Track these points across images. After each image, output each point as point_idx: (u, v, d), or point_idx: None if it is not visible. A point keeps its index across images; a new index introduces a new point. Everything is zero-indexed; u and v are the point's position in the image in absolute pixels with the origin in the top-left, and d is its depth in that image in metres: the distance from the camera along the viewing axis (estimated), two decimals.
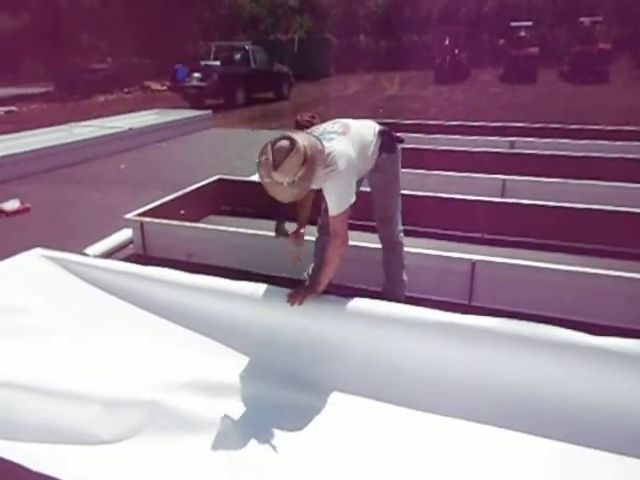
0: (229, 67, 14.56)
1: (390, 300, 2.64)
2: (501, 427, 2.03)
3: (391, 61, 22.60)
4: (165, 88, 18.99)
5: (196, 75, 14.18)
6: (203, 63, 14.68)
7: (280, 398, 2.18)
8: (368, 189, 2.89)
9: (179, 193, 4.58)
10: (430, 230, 4.13)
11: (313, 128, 2.63)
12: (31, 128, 8.98)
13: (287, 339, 2.46)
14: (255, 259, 3.53)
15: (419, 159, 5.31)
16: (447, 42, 18.87)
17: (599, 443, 1.91)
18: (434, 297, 3.00)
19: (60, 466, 1.60)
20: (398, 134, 2.87)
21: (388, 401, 2.18)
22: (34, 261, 3.06)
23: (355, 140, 2.51)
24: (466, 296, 3.13)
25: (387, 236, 2.92)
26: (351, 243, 2.52)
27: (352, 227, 2.52)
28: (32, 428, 1.97)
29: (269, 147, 2.20)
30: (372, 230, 3.04)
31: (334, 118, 2.73)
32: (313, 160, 2.23)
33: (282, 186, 2.19)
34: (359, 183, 2.76)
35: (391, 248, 2.94)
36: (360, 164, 2.53)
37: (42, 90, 19.43)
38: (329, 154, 2.35)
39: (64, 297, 2.82)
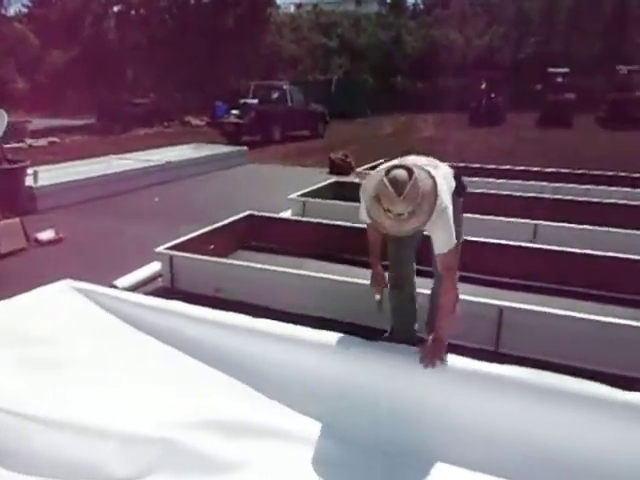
0: (267, 105, 14.92)
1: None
2: None
3: (426, 103, 22.77)
4: (204, 123, 19.55)
5: (234, 112, 14.56)
6: (242, 101, 15.06)
7: (301, 446, 2.11)
8: None
9: (209, 228, 4.63)
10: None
11: (403, 159, 2.43)
12: (71, 159, 9.21)
13: (315, 384, 2.40)
14: (283, 297, 3.49)
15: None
16: (483, 85, 19.00)
17: None
18: (461, 342, 2.89)
19: None
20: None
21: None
22: (62, 292, 3.10)
23: (444, 177, 2.40)
24: (492, 343, 3.04)
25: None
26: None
27: None
28: (48, 461, 1.95)
29: (383, 179, 2.08)
30: None
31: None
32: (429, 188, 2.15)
33: (402, 217, 2.08)
34: None
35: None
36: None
37: (84, 122, 20.13)
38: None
39: (88, 330, 2.83)
